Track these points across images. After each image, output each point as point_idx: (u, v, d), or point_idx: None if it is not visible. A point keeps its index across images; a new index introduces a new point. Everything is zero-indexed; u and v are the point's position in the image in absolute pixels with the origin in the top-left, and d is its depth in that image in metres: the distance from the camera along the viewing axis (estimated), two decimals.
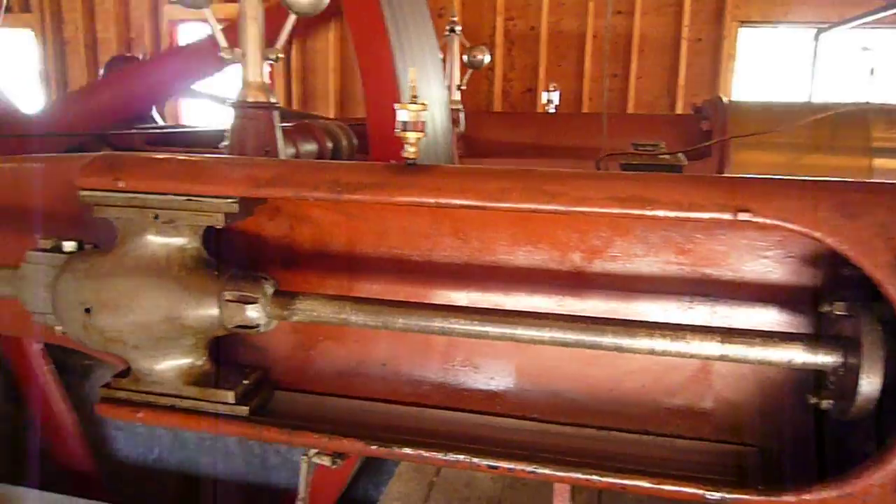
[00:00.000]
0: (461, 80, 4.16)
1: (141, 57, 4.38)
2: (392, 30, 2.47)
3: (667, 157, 1.54)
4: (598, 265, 1.40)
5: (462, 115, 4.15)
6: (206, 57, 2.74)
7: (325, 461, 1.57)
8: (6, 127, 2.68)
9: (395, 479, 3.10)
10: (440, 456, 1.30)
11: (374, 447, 1.36)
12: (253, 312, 1.32)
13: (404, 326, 1.24)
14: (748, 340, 1.13)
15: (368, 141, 2.47)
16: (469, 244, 1.45)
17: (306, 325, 1.55)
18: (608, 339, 1.17)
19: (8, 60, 9.82)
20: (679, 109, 7.89)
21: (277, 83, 8.83)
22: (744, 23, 7.84)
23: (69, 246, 1.41)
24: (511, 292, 1.45)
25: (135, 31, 9.51)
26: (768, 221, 1.12)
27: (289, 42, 1.86)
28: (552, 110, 4.77)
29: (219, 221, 1.33)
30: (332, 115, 8.90)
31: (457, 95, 4.10)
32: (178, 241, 1.37)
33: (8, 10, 9.98)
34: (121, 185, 1.36)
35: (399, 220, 1.48)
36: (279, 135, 1.77)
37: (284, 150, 1.84)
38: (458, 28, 4.03)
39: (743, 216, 1.11)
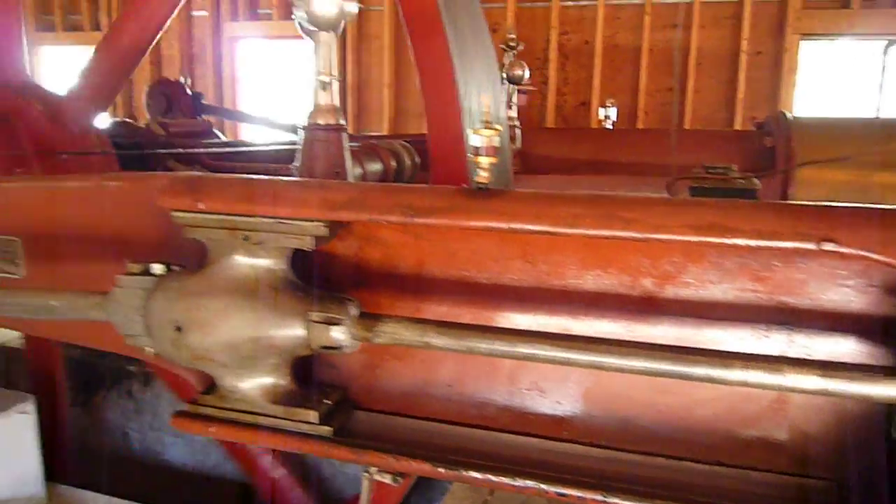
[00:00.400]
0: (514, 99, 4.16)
1: (183, 80, 4.49)
2: (454, 49, 2.49)
3: (740, 180, 1.51)
4: (670, 291, 1.38)
5: (518, 132, 4.15)
6: None
7: (387, 479, 1.58)
8: (41, 107, 2.77)
9: (449, 497, 3.09)
10: (509, 481, 1.30)
11: (441, 469, 1.36)
12: (338, 334, 1.35)
13: (488, 351, 1.24)
14: (851, 375, 1.09)
15: (429, 159, 2.49)
16: (537, 267, 1.45)
17: (373, 345, 1.57)
18: (699, 370, 1.14)
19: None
20: (738, 124, 7.74)
21: None
22: (805, 35, 7.65)
23: (158, 269, 1.46)
24: (579, 317, 1.44)
25: (197, 47, 9.82)
26: (853, 252, 1.09)
27: (343, 58, 1.89)
28: (609, 126, 4.74)
29: (308, 244, 1.37)
30: (385, 130, 9.01)
31: (513, 112, 4.11)
32: (267, 262, 1.41)
33: (79, 28, 10.46)
34: (201, 206, 1.40)
35: (467, 243, 1.48)
36: (348, 156, 1.80)
37: (352, 171, 1.88)
38: (514, 44, 4.04)
39: (827, 246, 1.08)
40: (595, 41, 8.26)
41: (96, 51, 2.93)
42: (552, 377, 1.48)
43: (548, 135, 4.93)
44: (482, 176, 1.31)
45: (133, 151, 3.16)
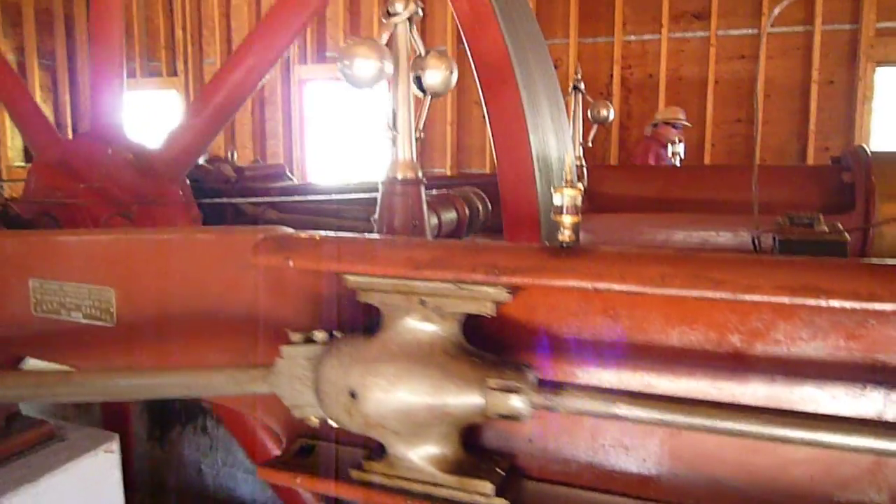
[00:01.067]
0: (585, 137, 4.17)
1: (229, 155, 4.65)
2: (525, 97, 2.53)
3: (828, 232, 1.48)
4: (759, 348, 1.35)
5: (585, 171, 4.15)
6: (283, 27, 2.87)
7: None
8: (136, 164, 2.93)
9: None
10: None
11: None
12: (517, 402, 1.30)
13: (686, 425, 1.20)
14: None
15: (501, 205, 2.52)
16: (620, 323, 1.44)
17: None
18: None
19: (159, 118, 10.84)
20: (810, 155, 7.55)
21: None
22: (881, 63, 7.43)
23: (320, 336, 1.45)
24: (664, 374, 1.42)
25: (267, 89, 10.19)
26: None
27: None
28: (677, 163, 4.68)
29: (488, 309, 1.35)
30: (449, 166, 9.13)
31: (580, 151, 4.11)
32: (441, 327, 1.39)
33: (157, 74, 11.04)
34: (291, 263, 1.46)
35: (548, 297, 1.49)
36: (425, 208, 1.85)
37: (429, 222, 1.92)
38: (582, 86, 4.06)
39: None
40: (659, 74, 8.22)
41: (188, 108, 3.09)
42: (636, 433, 1.46)
43: (615, 172, 4.90)
44: (565, 234, 1.32)
45: (212, 199, 3.29)
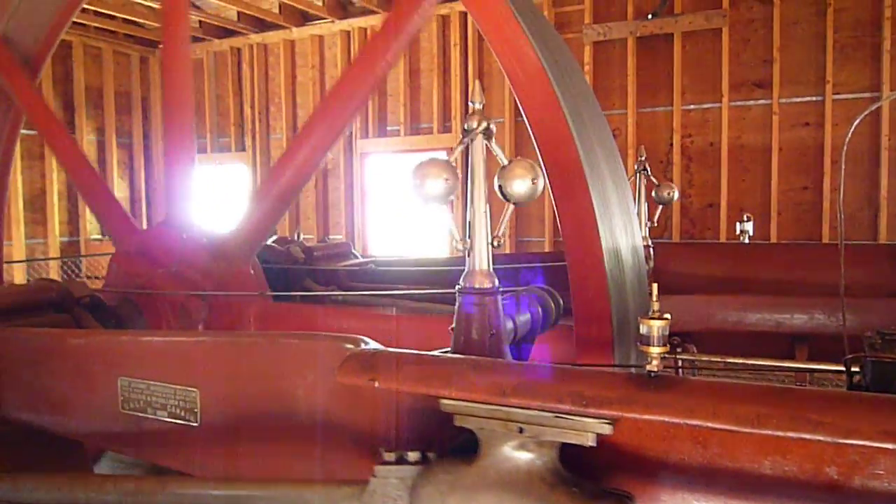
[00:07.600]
0: (650, 217, 4.16)
1: (296, 236, 4.78)
2: (594, 191, 2.55)
3: None
4: (858, 482, 1.30)
5: (651, 251, 4.12)
6: (345, 105, 2.92)
7: None
8: (209, 249, 3.03)
9: None
10: None
11: None
12: None
13: None
14: None
15: (572, 299, 2.52)
16: (709, 449, 1.41)
17: None
18: None
19: (228, 189, 11.32)
20: (882, 222, 7.32)
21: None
22: None
23: (413, 456, 1.47)
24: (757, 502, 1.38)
25: (331, 162, 10.52)
26: None
27: None
28: (746, 241, 4.61)
29: (589, 440, 1.34)
30: (507, 236, 9.17)
31: (646, 231, 4.10)
32: (539, 455, 1.40)
33: (227, 149, 11.55)
34: (376, 385, 1.49)
35: (636, 422, 1.47)
36: (502, 317, 1.86)
37: (506, 328, 1.93)
38: (647, 167, 4.08)
39: None
40: (720, 142, 8.16)
41: (255, 193, 3.21)
42: None
43: (682, 250, 4.83)
44: (653, 364, 1.31)
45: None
